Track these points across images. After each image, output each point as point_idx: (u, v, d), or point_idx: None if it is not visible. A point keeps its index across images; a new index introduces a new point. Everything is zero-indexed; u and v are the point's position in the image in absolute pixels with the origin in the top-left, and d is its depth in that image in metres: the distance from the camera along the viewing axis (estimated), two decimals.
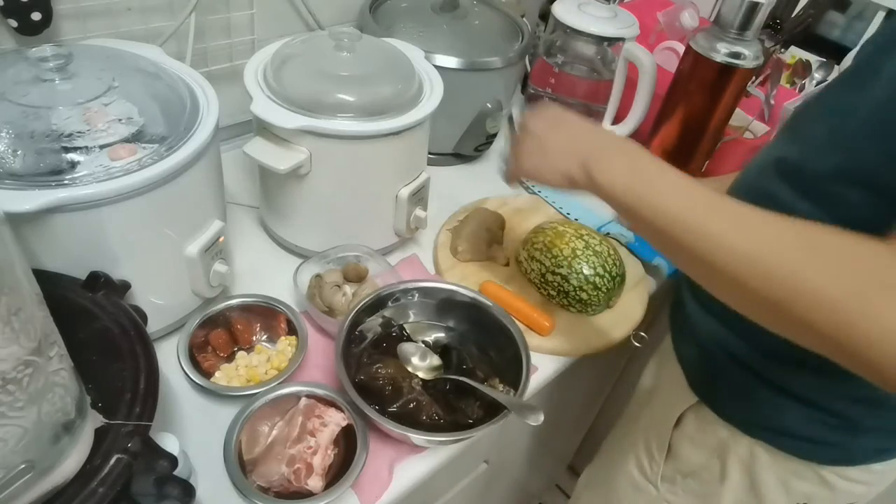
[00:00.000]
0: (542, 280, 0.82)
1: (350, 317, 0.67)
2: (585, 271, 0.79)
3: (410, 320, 0.75)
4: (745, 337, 0.62)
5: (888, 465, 0.62)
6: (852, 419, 0.57)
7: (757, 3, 0.85)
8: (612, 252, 0.82)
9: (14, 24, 0.68)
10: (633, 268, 0.88)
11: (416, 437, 0.60)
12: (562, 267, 0.80)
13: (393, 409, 0.63)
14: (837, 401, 0.57)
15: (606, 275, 0.80)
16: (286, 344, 0.71)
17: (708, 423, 0.68)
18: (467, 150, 1.02)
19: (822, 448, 0.60)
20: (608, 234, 0.93)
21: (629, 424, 0.87)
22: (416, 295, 0.74)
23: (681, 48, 1.04)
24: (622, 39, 0.97)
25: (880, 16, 1.16)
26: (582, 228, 0.84)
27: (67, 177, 0.53)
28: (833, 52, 1.21)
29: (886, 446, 0.60)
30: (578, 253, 0.80)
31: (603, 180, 0.50)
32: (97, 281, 0.54)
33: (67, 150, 0.54)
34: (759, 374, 0.61)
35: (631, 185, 0.48)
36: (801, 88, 1.17)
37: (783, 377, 0.59)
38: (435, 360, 0.69)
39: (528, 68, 1.12)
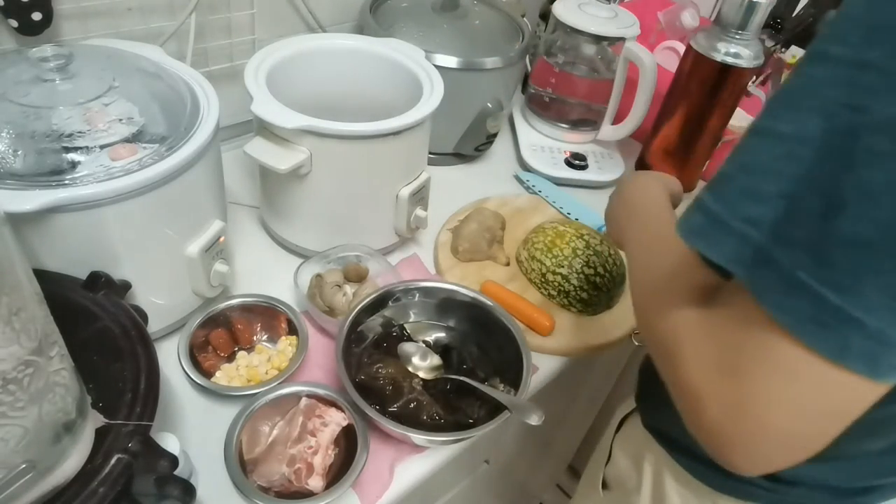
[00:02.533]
0: (543, 280, 0.82)
1: (350, 317, 0.67)
2: (586, 271, 0.79)
3: (411, 320, 0.75)
4: None
5: None
6: None
7: (757, 3, 0.85)
8: (612, 252, 0.82)
9: (14, 24, 0.68)
10: None
11: (417, 437, 0.60)
12: (562, 266, 0.80)
13: (393, 408, 0.63)
14: None
15: (607, 275, 0.80)
16: (287, 344, 0.71)
17: (635, 430, 0.68)
18: (468, 149, 1.02)
19: (711, 472, 0.58)
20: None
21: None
22: (417, 295, 0.74)
23: (681, 48, 1.04)
24: (623, 39, 0.97)
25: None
26: (582, 228, 0.84)
27: (68, 177, 0.53)
28: None
29: (772, 488, 0.55)
30: (579, 252, 0.80)
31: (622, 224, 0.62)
32: (98, 281, 0.54)
33: (68, 150, 0.54)
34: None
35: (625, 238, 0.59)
36: None
37: None
38: (435, 360, 0.69)
39: (529, 68, 1.12)
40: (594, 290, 0.79)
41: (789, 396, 0.34)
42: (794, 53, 1.21)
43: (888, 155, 0.29)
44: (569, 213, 0.97)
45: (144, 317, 0.56)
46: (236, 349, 0.71)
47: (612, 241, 0.71)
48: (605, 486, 0.76)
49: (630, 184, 0.64)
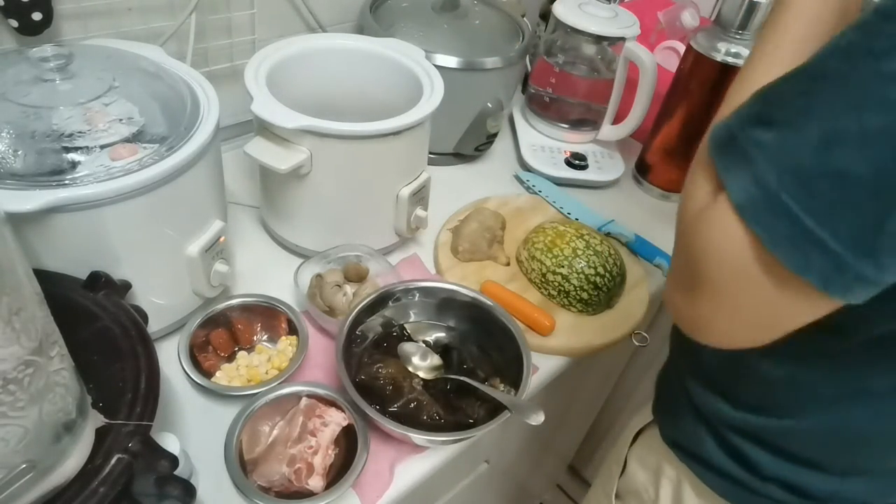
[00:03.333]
0: (543, 280, 0.82)
1: (351, 317, 0.67)
2: (586, 271, 0.79)
3: (411, 320, 0.75)
4: (691, 364, 0.61)
5: None
6: (753, 460, 0.55)
7: (757, 3, 0.85)
8: (612, 252, 0.82)
9: (15, 24, 0.68)
10: (633, 267, 0.88)
11: (417, 437, 0.60)
12: (563, 266, 0.80)
13: (394, 408, 0.63)
14: (740, 436, 0.56)
15: (607, 274, 0.80)
16: (287, 344, 0.71)
17: (653, 442, 0.67)
18: (468, 149, 1.02)
19: (734, 487, 0.58)
20: (608, 233, 0.93)
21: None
22: (417, 294, 0.74)
23: (681, 48, 1.04)
24: (623, 39, 0.97)
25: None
26: (583, 228, 0.84)
27: (68, 177, 0.53)
28: None
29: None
30: (579, 252, 0.80)
31: None
32: (98, 281, 0.54)
33: (68, 150, 0.54)
34: (692, 399, 0.60)
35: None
36: None
37: (707, 406, 0.58)
38: (435, 360, 0.69)
39: (529, 68, 1.12)
40: (594, 289, 0.79)
41: (749, 300, 0.39)
42: None
43: (891, 100, 0.32)
44: (569, 213, 0.98)
45: (145, 317, 0.56)
46: (236, 349, 0.71)
47: None
48: (617, 496, 0.75)
49: None
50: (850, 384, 0.48)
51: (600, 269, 0.79)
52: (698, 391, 0.59)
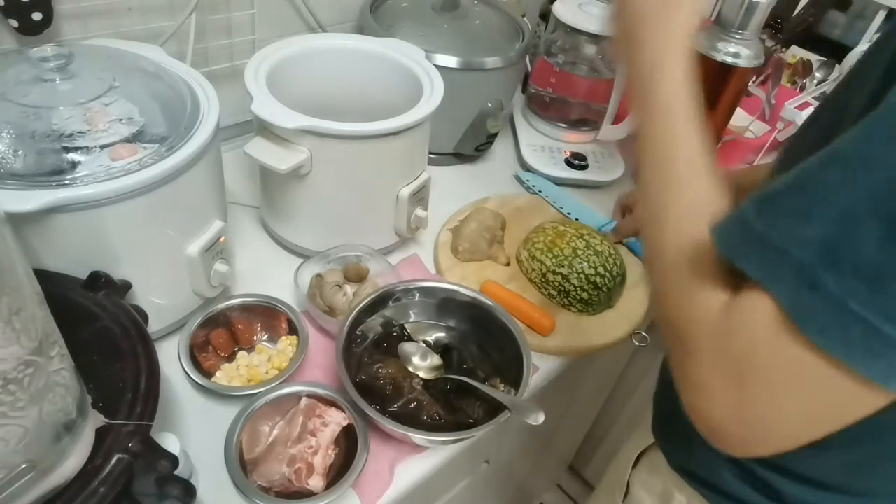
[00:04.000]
0: (543, 280, 0.82)
1: (351, 317, 0.67)
2: (586, 271, 0.79)
3: (411, 320, 0.75)
4: None
5: None
6: (775, 488, 0.54)
7: (757, 3, 0.85)
8: (612, 252, 0.82)
9: (15, 24, 0.68)
10: (633, 267, 0.88)
11: (417, 437, 0.60)
12: (563, 266, 0.80)
13: (394, 408, 0.63)
14: (761, 466, 0.54)
15: (607, 274, 0.80)
16: (287, 344, 0.71)
17: (658, 467, 0.66)
18: (468, 149, 1.02)
19: None
20: (608, 233, 0.93)
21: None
22: (417, 294, 0.74)
23: None
24: None
25: (881, 15, 1.16)
26: (583, 228, 0.84)
27: (68, 177, 0.53)
28: (834, 51, 1.21)
29: None
30: (579, 252, 0.80)
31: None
32: (98, 281, 0.54)
33: (68, 150, 0.54)
34: None
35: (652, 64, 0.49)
36: (802, 88, 1.17)
37: None
38: (435, 360, 0.69)
39: (529, 68, 1.12)
40: (594, 289, 0.79)
41: (802, 408, 0.35)
42: (794, 53, 1.22)
43: None
44: (569, 213, 0.97)
45: (145, 317, 0.56)
46: (236, 349, 0.71)
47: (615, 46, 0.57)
48: None
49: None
50: (878, 414, 0.46)
51: (600, 269, 0.79)
52: None
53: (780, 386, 0.35)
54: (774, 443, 0.37)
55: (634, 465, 0.71)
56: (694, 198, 0.43)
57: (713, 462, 0.57)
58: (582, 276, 0.79)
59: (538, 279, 0.82)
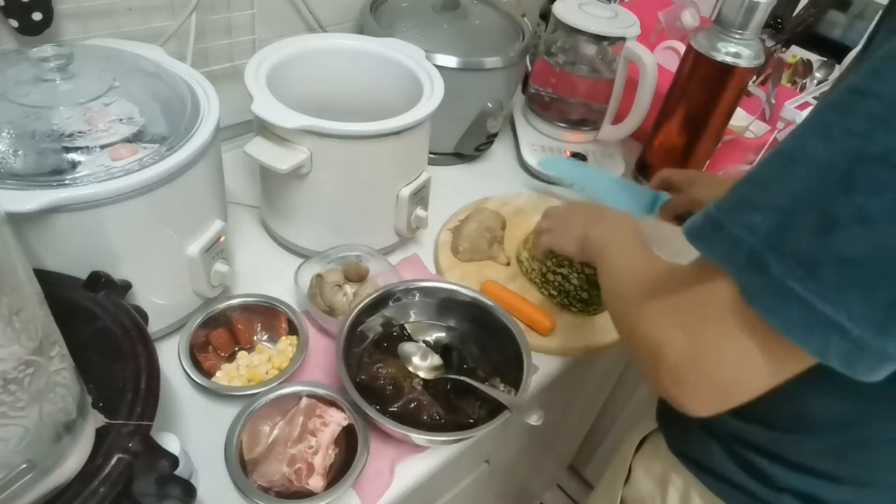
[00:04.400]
0: (543, 279, 0.82)
1: (351, 316, 0.67)
2: (586, 270, 0.79)
3: (411, 320, 0.75)
4: None
5: None
6: (766, 473, 0.55)
7: (757, 3, 0.84)
8: None
9: (15, 24, 0.68)
10: None
11: (417, 437, 0.60)
12: (563, 266, 0.80)
13: (394, 408, 0.63)
14: (751, 449, 0.56)
15: None
16: (287, 344, 0.71)
17: (659, 451, 0.67)
18: (468, 149, 1.02)
19: (745, 497, 0.57)
20: (657, 212, 0.91)
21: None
22: (417, 294, 0.74)
23: (681, 47, 1.05)
24: (623, 39, 0.97)
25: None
26: None
27: (68, 177, 0.53)
28: (834, 51, 1.21)
29: None
30: None
31: (591, 237, 0.67)
32: (98, 281, 0.54)
33: (68, 149, 0.54)
34: None
35: (597, 238, 0.65)
36: (802, 88, 1.17)
37: (714, 419, 0.56)
38: (436, 360, 0.69)
39: (529, 68, 1.12)
40: (595, 289, 0.79)
41: (742, 359, 0.39)
42: (795, 53, 1.22)
43: (886, 183, 0.32)
44: (602, 199, 0.93)
45: (145, 317, 0.56)
46: (237, 349, 0.71)
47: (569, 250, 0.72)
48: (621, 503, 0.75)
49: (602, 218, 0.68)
50: (862, 401, 0.47)
51: None
52: None
53: (719, 340, 0.40)
54: (724, 389, 0.41)
55: (637, 450, 0.72)
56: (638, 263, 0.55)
57: (709, 446, 0.58)
58: (582, 275, 0.79)
59: (538, 279, 0.82)
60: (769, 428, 0.53)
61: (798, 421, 0.52)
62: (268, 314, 0.73)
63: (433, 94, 0.76)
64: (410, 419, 0.62)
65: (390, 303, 0.72)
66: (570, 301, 0.81)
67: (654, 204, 0.89)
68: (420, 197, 0.81)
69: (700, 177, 0.86)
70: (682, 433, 0.63)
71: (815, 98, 1.07)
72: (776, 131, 1.04)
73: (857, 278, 0.33)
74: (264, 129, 0.71)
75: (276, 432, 0.63)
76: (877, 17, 0.39)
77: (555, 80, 1.06)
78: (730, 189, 0.39)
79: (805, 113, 0.99)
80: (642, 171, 1.08)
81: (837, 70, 1.16)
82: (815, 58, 1.20)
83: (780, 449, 0.54)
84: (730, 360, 0.40)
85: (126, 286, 0.59)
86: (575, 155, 1.05)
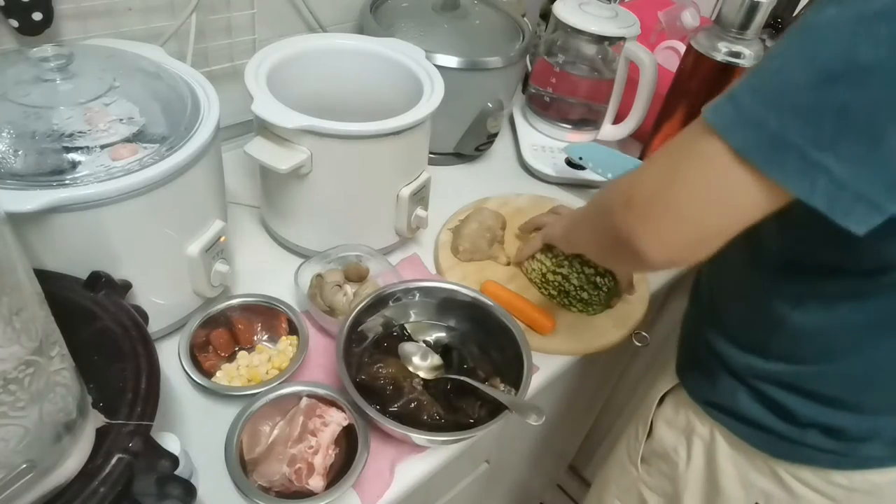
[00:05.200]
0: (543, 280, 0.82)
1: (351, 316, 0.67)
2: (586, 271, 0.79)
3: (411, 320, 0.75)
4: (715, 323, 0.64)
5: (850, 478, 0.59)
6: (788, 408, 0.58)
7: (758, 3, 0.85)
8: None
9: (15, 24, 0.68)
10: None
11: (418, 437, 0.60)
12: (563, 266, 0.80)
13: (394, 408, 0.63)
14: (774, 386, 0.59)
15: (607, 274, 0.79)
16: (287, 344, 0.71)
17: (681, 404, 0.70)
18: (468, 149, 1.02)
19: (770, 437, 0.61)
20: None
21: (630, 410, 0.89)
22: (417, 294, 0.74)
23: (682, 47, 1.04)
24: (623, 39, 0.97)
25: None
26: None
27: (68, 177, 0.53)
28: None
29: (834, 449, 0.58)
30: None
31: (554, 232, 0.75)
32: (98, 281, 0.54)
33: (68, 149, 0.54)
34: (723, 359, 0.62)
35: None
36: None
37: (736, 361, 0.61)
38: (436, 360, 0.69)
39: (529, 68, 1.12)
40: (594, 289, 0.79)
41: (714, 199, 0.43)
42: None
43: (885, 38, 0.35)
44: None
45: (145, 317, 0.56)
46: (237, 349, 0.71)
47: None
48: (643, 461, 0.77)
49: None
50: (880, 324, 0.51)
51: (600, 269, 0.79)
52: (726, 348, 0.62)
53: (692, 179, 0.43)
54: (687, 228, 0.44)
55: (658, 407, 0.75)
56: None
57: (736, 391, 0.62)
58: (582, 276, 0.79)
59: (538, 279, 0.82)
60: (793, 363, 0.57)
61: (820, 353, 0.55)
62: (268, 314, 0.73)
63: (433, 94, 0.76)
64: (410, 419, 0.62)
65: (390, 303, 0.72)
66: (570, 301, 0.81)
67: None
68: (420, 197, 0.81)
69: (561, 209, 0.88)
70: (708, 382, 0.66)
71: None
72: None
73: (850, 125, 0.37)
74: (264, 129, 0.71)
75: (276, 432, 0.63)
76: None
77: (555, 80, 1.06)
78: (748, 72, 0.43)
79: None
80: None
81: None
82: None
83: (803, 383, 0.57)
84: (702, 200, 0.43)
85: (126, 286, 0.59)
86: None
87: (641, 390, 0.88)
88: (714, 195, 0.43)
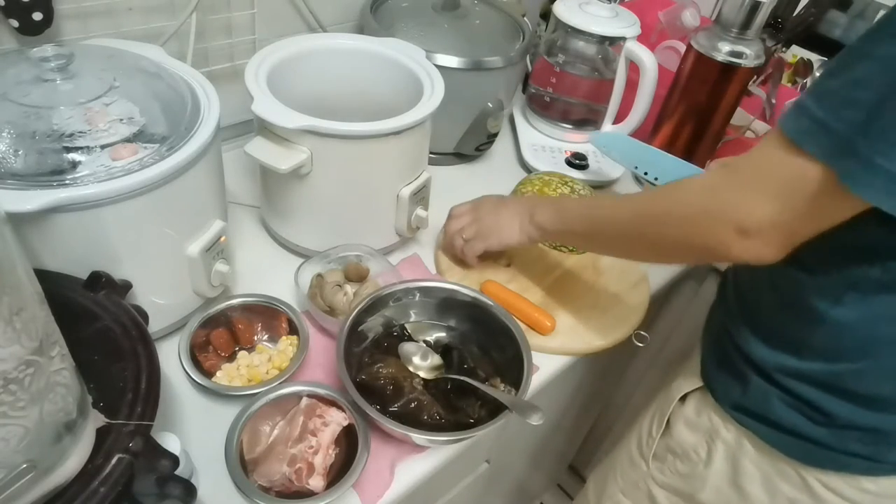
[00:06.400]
0: None
1: (351, 316, 0.67)
2: None
3: (411, 320, 0.75)
4: (745, 323, 0.64)
5: (879, 484, 0.60)
6: (825, 410, 0.57)
7: (758, 3, 0.85)
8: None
9: (15, 24, 0.68)
10: (633, 268, 0.88)
11: (418, 437, 0.60)
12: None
13: (394, 408, 0.63)
14: (810, 385, 0.58)
15: None
16: (287, 343, 0.71)
17: (705, 406, 0.70)
18: (468, 149, 1.02)
19: (804, 444, 0.60)
20: None
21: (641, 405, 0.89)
22: (418, 294, 0.74)
23: (682, 47, 1.04)
24: (623, 39, 0.97)
25: (881, 15, 1.16)
26: (566, 176, 0.86)
27: (69, 177, 0.53)
28: (835, 51, 1.20)
29: (870, 454, 0.58)
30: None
31: (541, 220, 0.73)
32: (99, 280, 0.54)
33: (69, 149, 0.54)
34: (754, 360, 0.62)
35: (554, 218, 0.72)
36: (803, 88, 1.17)
37: (770, 361, 0.61)
38: (436, 360, 0.69)
39: (529, 68, 1.12)
40: None
41: (822, 217, 0.49)
42: (795, 53, 1.21)
43: None
44: (656, 180, 0.92)
45: (145, 316, 0.56)
46: (237, 349, 0.71)
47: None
48: (654, 457, 0.77)
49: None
50: None
51: None
52: (758, 348, 0.61)
53: (807, 205, 0.48)
54: (792, 240, 0.50)
55: (678, 404, 0.75)
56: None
57: (768, 395, 0.61)
58: None
59: None
60: (832, 361, 0.56)
61: (861, 349, 0.55)
62: (268, 314, 0.73)
63: (433, 94, 0.76)
64: (410, 419, 0.62)
65: (390, 303, 0.72)
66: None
67: None
68: (420, 197, 0.81)
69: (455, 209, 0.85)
70: (738, 385, 0.65)
71: None
72: None
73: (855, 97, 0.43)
74: (264, 129, 0.71)
75: (276, 432, 0.63)
76: None
77: (555, 80, 1.06)
78: (817, 84, 0.48)
79: None
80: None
81: None
82: (815, 57, 1.19)
83: (841, 382, 0.56)
84: (814, 222, 0.49)
85: (126, 286, 0.59)
86: (575, 155, 1.05)
87: (654, 384, 0.87)
88: (824, 217, 0.49)
